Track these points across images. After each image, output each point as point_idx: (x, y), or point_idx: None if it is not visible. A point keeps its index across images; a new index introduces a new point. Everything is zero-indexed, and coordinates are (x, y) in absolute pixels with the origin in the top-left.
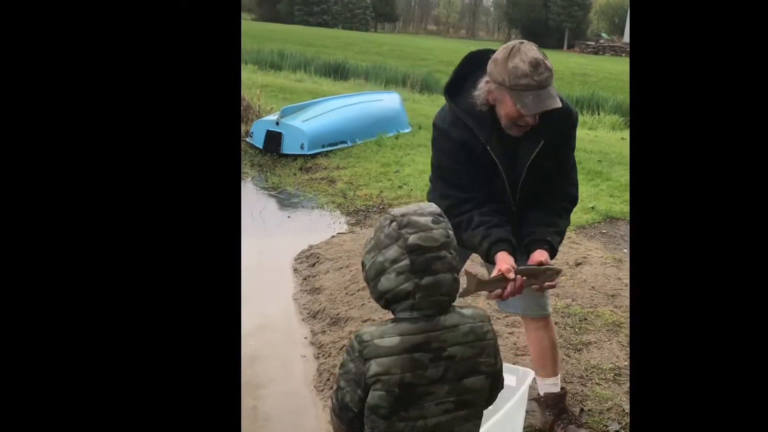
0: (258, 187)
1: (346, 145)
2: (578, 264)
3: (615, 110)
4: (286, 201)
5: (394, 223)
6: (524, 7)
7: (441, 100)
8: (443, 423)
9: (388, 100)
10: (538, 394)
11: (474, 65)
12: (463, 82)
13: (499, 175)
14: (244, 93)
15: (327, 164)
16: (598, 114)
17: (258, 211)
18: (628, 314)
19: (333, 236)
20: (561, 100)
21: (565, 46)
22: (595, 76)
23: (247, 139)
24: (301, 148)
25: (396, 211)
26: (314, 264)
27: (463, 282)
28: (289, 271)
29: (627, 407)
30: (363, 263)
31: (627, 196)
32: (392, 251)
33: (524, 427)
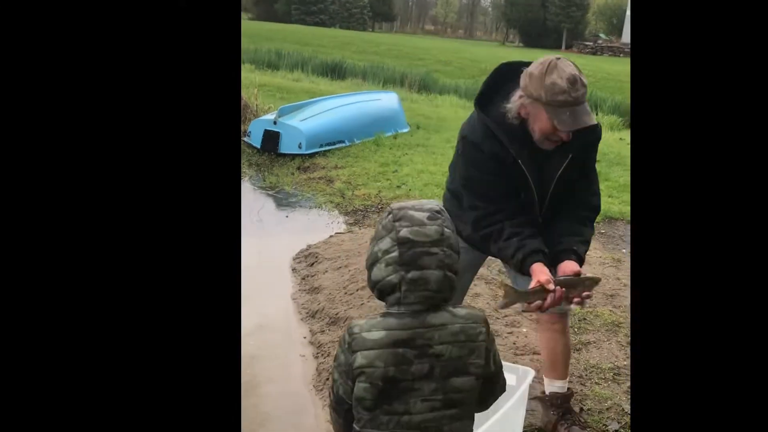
0: (256, 186)
1: (344, 145)
2: None
3: (613, 111)
4: (283, 200)
5: (390, 216)
6: (522, 7)
7: (439, 100)
8: (429, 420)
9: (387, 100)
10: (543, 393)
11: (505, 77)
12: (494, 94)
13: (528, 187)
14: (242, 92)
15: (325, 164)
16: (597, 114)
17: (256, 211)
18: (627, 314)
19: (331, 236)
20: None
21: (563, 47)
22: (593, 76)
23: (245, 139)
24: (299, 147)
25: (396, 204)
26: (313, 264)
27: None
28: (288, 271)
29: (626, 407)
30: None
31: (625, 196)
32: (385, 242)
33: (524, 427)
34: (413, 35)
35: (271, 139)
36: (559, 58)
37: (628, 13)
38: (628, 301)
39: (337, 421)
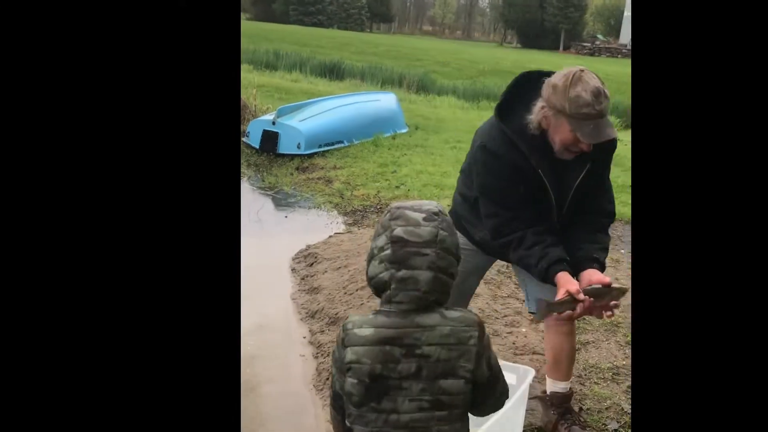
0: (254, 186)
1: (342, 145)
2: None
3: (611, 111)
4: (282, 201)
5: (389, 214)
6: (520, 8)
7: (437, 101)
8: (417, 420)
9: (385, 101)
10: (543, 393)
11: (525, 87)
12: (515, 103)
13: (547, 196)
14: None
15: (324, 164)
16: None
17: (255, 211)
18: (625, 314)
19: (330, 236)
20: None
21: (561, 48)
22: None
23: (244, 139)
24: (298, 147)
25: (396, 203)
26: (312, 264)
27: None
28: (287, 271)
29: (625, 406)
30: None
31: (624, 197)
32: (381, 240)
33: (524, 426)
34: (411, 36)
35: (270, 139)
36: (583, 70)
37: (626, 14)
38: (627, 301)
39: (335, 417)
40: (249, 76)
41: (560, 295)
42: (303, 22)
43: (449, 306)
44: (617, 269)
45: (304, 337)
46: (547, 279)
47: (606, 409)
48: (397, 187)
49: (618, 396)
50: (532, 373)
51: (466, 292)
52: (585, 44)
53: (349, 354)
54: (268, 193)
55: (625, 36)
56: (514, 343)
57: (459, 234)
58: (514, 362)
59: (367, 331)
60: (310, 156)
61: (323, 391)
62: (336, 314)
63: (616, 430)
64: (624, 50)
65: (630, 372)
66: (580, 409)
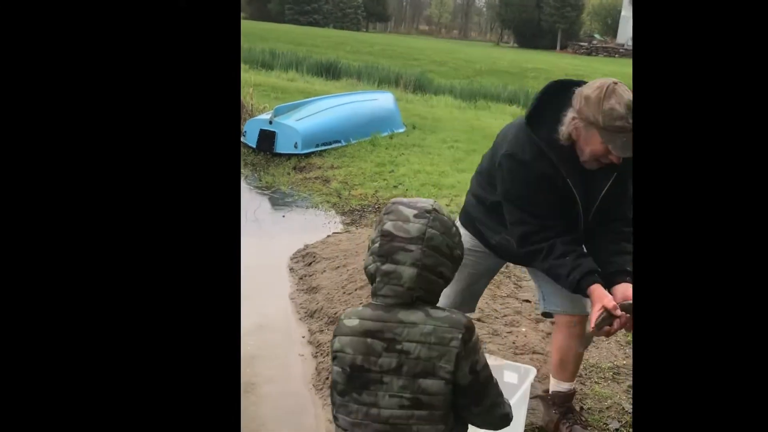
0: (252, 186)
1: (340, 145)
2: None
3: None
4: (280, 200)
5: (385, 208)
6: (517, 7)
7: (434, 100)
8: (398, 417)
9: (382, 100)
10: (545, 392)
11: (555, 96)
12: (544, 112)
13: (575, 206)
14: None
15: (321, 164)
16: None
17: (252, 211)
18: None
19: (329, 236)
20: None
21: (558, 47)
22: (589, 77)
23: (241, 138)
24: (295, 147)
25: (396, 199)
26: (310, 263)
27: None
28: (285, 271)
29: (626, 405)
30: None
31: None
32: (375, 232)
33: (526, 425)
34: (407, 35)
35: (267, 138)
36: (616, 83)
37: (623, 13)
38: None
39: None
40: (245, 76)
41: (596, 310)
42: (299, 21)
43: (445, 307)
44: None
45: (303, 337)
46: (579, 290)
47: (607, 408)
48: (395, 186)
49: (619, 395)
50: (533, 372)
51: (477, 294)
52: (582, 44)
53: (336, 343)
54: (266, 192)
55: (622, 35)
56: (514, 343)
57: (470, 236)
58: (514, 362)
59: (353, 322)
60: (308, 155)
61: (323, 391)
62: (335, 314)
63: (617, 429)
64: (621, 50)
65: (631, 371)
66: (581, 408)
